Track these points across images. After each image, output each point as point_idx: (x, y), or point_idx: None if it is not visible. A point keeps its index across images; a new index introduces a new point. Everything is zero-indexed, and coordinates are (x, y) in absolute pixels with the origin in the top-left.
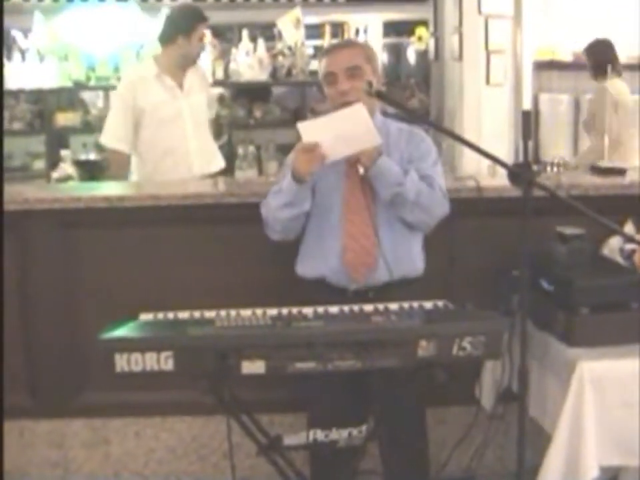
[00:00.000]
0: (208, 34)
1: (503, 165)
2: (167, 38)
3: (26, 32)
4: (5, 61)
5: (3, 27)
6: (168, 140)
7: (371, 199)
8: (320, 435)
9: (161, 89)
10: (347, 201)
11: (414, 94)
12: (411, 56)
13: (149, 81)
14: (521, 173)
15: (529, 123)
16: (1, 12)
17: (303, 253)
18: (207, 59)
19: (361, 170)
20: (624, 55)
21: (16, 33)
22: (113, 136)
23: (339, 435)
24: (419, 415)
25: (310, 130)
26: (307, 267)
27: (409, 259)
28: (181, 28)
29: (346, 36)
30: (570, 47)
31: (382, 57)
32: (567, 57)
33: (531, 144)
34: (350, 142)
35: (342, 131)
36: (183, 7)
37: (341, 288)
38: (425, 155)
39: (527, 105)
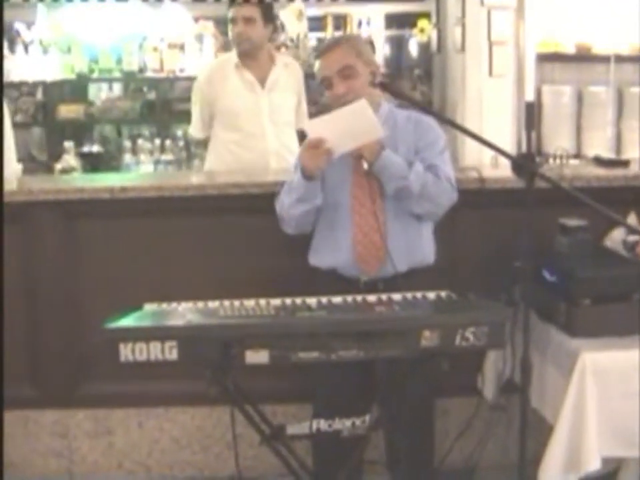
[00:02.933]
0: (210, 26)
1: (507, 155)
2: None
3: (29, 24)
4: (8, 53)
5: (3, 22)
6: (240, 135)
7: (378, 192)
8: (323, 424)
9: (239, 82)
10: (354, 195)
11: (416, 86)
12: (413, 48)
13: (227, 72)
14: (524, 164)
15: (532, 115)
16: (0, 9)
17: (315, 244)
18: (210, 51)
19: (365, 164)
20: (626, 46)
21: (19, 26)
22: (195, 127)
23: (343, 424)
24: (426, 405)
25: (316, 127)
26: (320, 258)
27: (419, 249)
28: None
29: (348, 28)
30: (573, 39)
31: (384, 49)
32: (570, 49)
33: (533, 135)
34: (354, 136)
35: (347, 126)
36: None
37: (352, 279)
38: (431, 144)
39: (530, 96)
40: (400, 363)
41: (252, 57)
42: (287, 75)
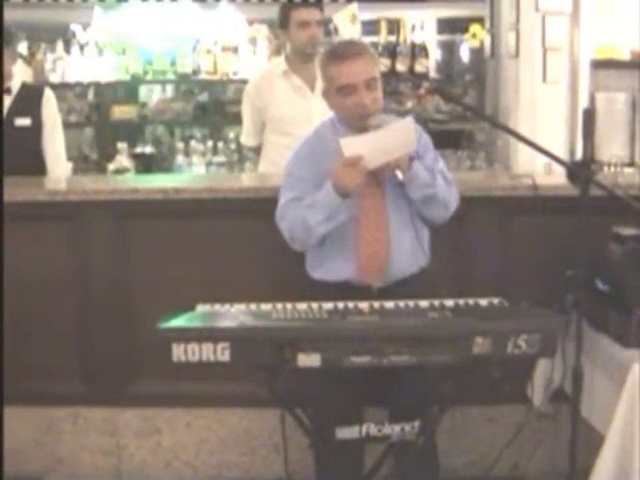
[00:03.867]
0: (264, 29)
1: (562, 163)
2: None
3: (85, 26)
4: (64, 54)
5: (3, 23)
6: (292, 140)
7: (383, 203)
8: (373, 429)
9: (288, 88)
10: (361, 206)
11: (467, 91)
12: (465, 53)
13: (275, 79)
14: (580, 171)
15: (589, 121)
16: (0, 9)
17: (317, 259)
18: (263, 54)
19: (400, 175)
20: None
21: (75, 27)
22: (247, 135)
23: (392, 429)
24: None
25: (351, 144)
26: (324, 272)
27: (422, 252)
28: (280, 21)
29: (402, 33)
30: (628, 46)
31: (435, 54)
32: (625, 56)
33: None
34: (389, 151)
35: (385, 142)
36: None
37: (364, 287)
38: (427, 148)
39: (583, 103)
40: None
41: (311, 61)
42: None
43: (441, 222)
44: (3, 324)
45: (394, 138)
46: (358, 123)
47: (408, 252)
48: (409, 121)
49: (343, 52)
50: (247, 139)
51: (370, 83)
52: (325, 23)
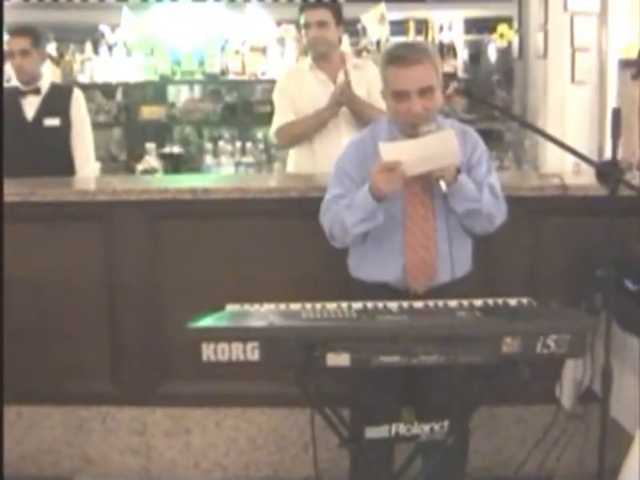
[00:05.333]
0: (292, 29)
1: (591, 162)
2: None
3: (114, 27)
4: (93, 54)
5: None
6: (316, 133)
7: (430, 210)
8: (402, 428)
9: (315, 82)
10: (406, 212)
11: (495, 92)
12: (492, 53)
13: (303, 73)
14: (609, 171)
15: (618, 121)
16: (1, 10)
17: (361, 257)
18: (291, 54)
19: (443, 187)
20: None
21: (104, 28)
22: (280, 115)
23: (421, 429)
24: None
25: (391, 150)
26: (367, 272)
27: (465, 261)
28: (298, 20)
29: (430, 33)
30: None
31: (463, 54)
32: None
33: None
34: (431, 160)
35: (425, 151)
36: None
37: (402, 291)
38: (481, 160)
39: (612, 103)
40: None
41: (326, 59)
42: (356, 74)
43: (483, 234)
44: (4, 324)
45: (435, 147)
46: (409, 129)
47: (454, 259)
48: (450, 133)
49: (402, 56)
50: (281, 117)
51: (424, 91)
52: (353, 23)
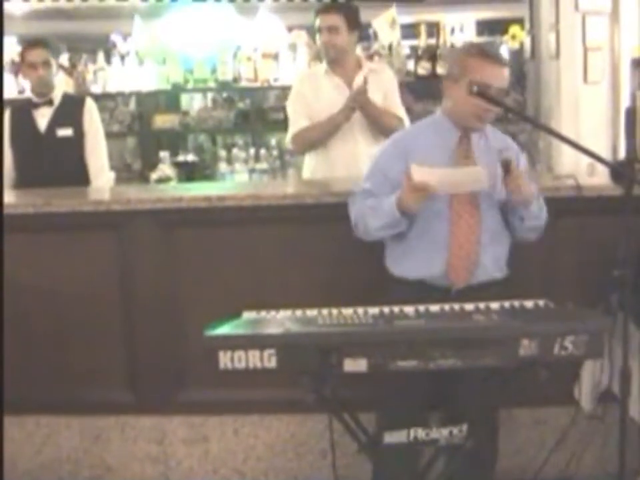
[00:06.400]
0: (304, 35)
1: (606, 163)
2: None
3: (125, 36)
4: (105, 64)
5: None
6: (332, 139)
7: (475, 206)
8: (421, 433)
9: (330, 86)
10: (454, 208)
11: (508, 93)
12: (505, 55)
13: (318, 78)
14: (624, 171)
15: (632, 120)
16: (1, 12)
17: (402, 253)
18: (303, 60)
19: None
20: None
21: (116, 37)
22: (294, 122)
23: (440, 433)
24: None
25: (421, 172)
26: (408, 268)
27: (503, 262)
28: (314, 24)
29: (441, 36)
30: None
31: None
32: None
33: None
34: (457, 187)
35: (453, 179)
36: None
37: (442, 288)
38: (525, 170)
39: (625, 102)
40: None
41: (339, 64)
42: (372, 79)
43: (525, 243)
44: (4, 327)
45: (464, 178)
46: (471, 123)
47: (494, 258)
48: (481, 170)
49: (494, 54)
50: (297, 123)
51: (500, 93)
52: (364, 28)
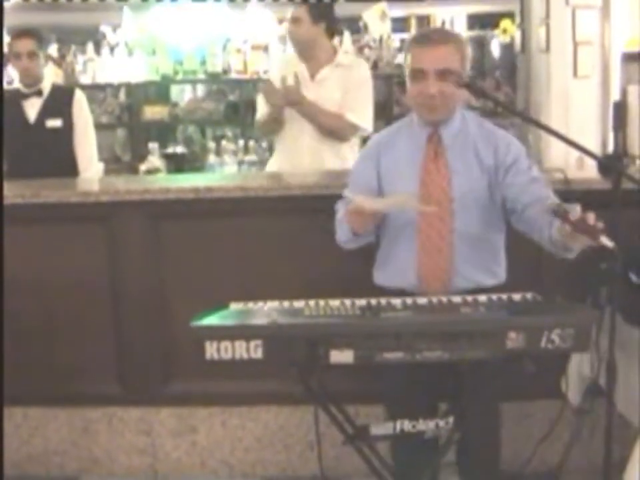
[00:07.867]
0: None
1: (594, 156)
2: None
3: (115, 27)
4: (95, 55)
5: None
6: (286, 126)
7: (447, 210)
8: (407, 425)
9: (300, 74)
10: (424, 215)
11: (500, 87)
12: (495, 49)
13: (288, 66)
14: (611, 164)
15: (621, 115)
16: (1, 11)
17: (379, 261)
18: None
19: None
20: None
21: (105, 28)
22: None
23: (426, 425)
24: (494, 407)
25: (360, 197)
26: (385, 277)
27: (495, 267)
28: None
29: None
30: None
31: None
32: None
33: (620, 135)
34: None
35: (386, 204)
36: None
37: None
38: (521, 159)
39: (615, 97)
40: (483, 365)
41: (305, 55)
42: (336, 74)
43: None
44: (3, 324)
45: (400, 205)
46: (425, 115)
47: (477, 264)
48: (412, 197)
49: (425, 36)
50: (260, 109)
51: (444, 74)
52: (354, 20)
